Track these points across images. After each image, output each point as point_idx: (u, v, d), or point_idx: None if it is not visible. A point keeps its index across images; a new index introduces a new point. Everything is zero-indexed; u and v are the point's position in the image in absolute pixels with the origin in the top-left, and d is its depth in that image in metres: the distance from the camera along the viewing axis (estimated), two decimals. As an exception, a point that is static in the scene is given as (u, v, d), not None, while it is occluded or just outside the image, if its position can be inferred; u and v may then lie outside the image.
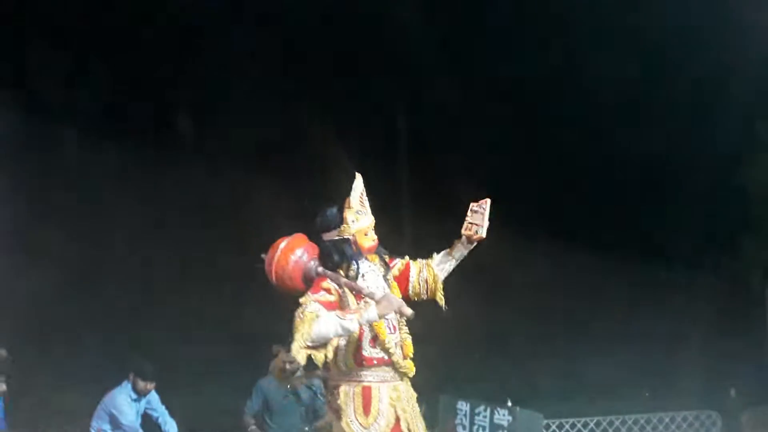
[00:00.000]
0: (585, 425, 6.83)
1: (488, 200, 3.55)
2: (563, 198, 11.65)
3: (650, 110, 12.10)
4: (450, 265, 3.58)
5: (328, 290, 3.25)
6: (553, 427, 6.75)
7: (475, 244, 3.55)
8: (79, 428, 5.90)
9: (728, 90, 10.47)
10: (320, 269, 3.32)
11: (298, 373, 5.62)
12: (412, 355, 3.39)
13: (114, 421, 5.40)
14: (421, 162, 12.72)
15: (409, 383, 3.43)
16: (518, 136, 12.13)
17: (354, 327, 3.14)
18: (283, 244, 3.40)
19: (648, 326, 11.01)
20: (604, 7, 10.68)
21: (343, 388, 3.31)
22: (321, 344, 3.13)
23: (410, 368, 3.36)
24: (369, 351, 3.31)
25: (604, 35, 11.26)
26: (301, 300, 3.22)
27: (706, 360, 8.97)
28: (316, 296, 3.21)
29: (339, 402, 3.29)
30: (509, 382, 8.68)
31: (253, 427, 5.55)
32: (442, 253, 3.60)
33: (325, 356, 3.17)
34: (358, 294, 3.27)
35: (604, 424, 6.86)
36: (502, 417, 5.26)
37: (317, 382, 5.67)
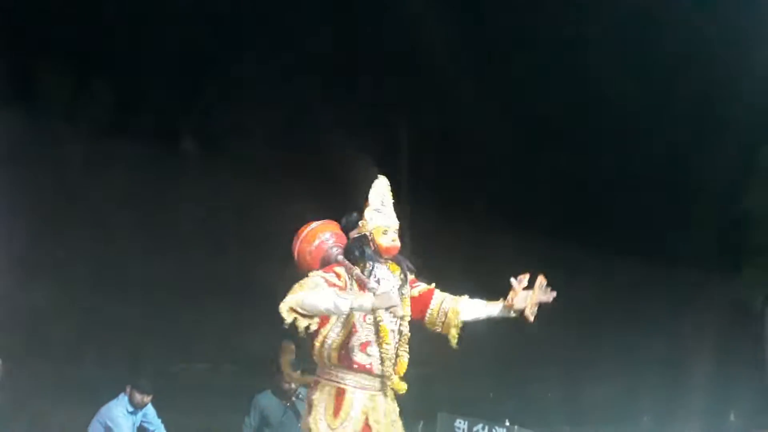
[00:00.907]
0: (583, 446, 6.80)
1: (540, 277, 3.42)
2: (562, 219, 11.66)
3: (653, 131, 12.14)
4: (479, 315, 3.48)
5: (338, 275, 3.25)
6: (551, 447, 6.72)
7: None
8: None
9: (733, 111, 10.53)
10: (340, 257, 3.37)
11: (298, 392, 5.59)
12: (402, 374, 3.34)
13: (109, 434, 5.39)
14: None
15: (394, 398, 3.38)
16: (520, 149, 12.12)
17: (345, 308, 3.08)
18: (315, 224, 3.54)
19: (647, 350, 10.97)
20: (601, 19, 10.76)
21: (320, 384, 3.30)
22: (309, 313, 3.10)
23: (399, 387, 3.31)
24: (357, 354, 3.26)
25: (605, 44, 11.32)
26: (310, 274, 3.25)
27: (705, 383, 8.93)
28: (324, 274, 3.23)
29: (313, 397, 3.28)
30: (507, 403, 8.65)
31: None
32: (478, 300, 3.49)
33: (308, 328, 3.13)
34: (363, 287, 3.24)
35: (603, 445, 6.83)
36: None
37: (315, 398, 5.65)
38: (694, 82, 11.28)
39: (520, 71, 11.93)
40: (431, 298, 3.45)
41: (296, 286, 3.18)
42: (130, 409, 5.49)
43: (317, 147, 13.84)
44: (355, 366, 3.24)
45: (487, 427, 5.43)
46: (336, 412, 3.21)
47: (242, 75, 13.54)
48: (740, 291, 9.60)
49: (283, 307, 3.09)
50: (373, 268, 3.34)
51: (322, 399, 3.25)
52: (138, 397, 5.48)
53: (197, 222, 13.58)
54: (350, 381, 3.25)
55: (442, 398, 7.57)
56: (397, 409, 3.40)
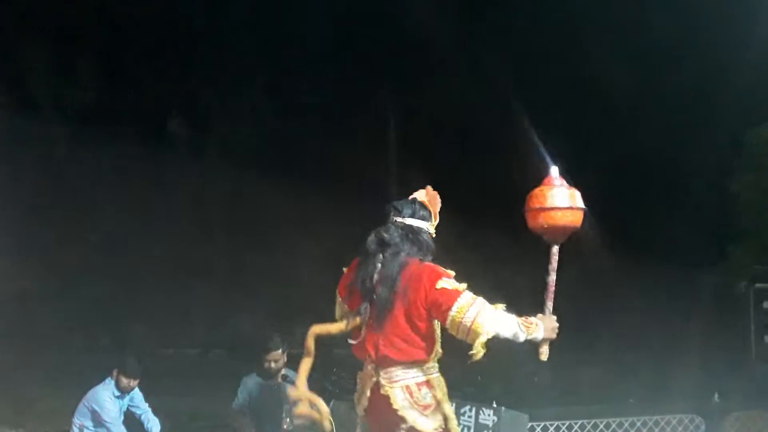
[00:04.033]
0: (569, 428, 6.83)
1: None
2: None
3: (640, 115, 12.19)
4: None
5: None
6: (538, 429, 6.74)
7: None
8: (61, 425, 5.85)
9: (720, 96, 10.57)
10: None
11: (283, 371, 5.61)
12: None
13: (96, 418, 5.37)
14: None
15: None
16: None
17: (522, 339, 3.08)
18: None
19: (634, 332, 11.07)
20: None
21: (435, 381, 3.19)
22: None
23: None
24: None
25: (595, 24, 11.34)
26: (451, 285, 3.06)
27: (691, 365, 9.01)
28: (462, 285, 3.10)
29: (436, 395, 3.16)
30: (495, 386, 8.70)
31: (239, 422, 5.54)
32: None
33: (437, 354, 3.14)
34: None
35: (589, 426, 6.86)
36: (487, 417, 5.26)
37: (302, 381, 5.67)
38: (681, 66, 11.31)
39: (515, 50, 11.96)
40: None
41: (475, 308, 3.01)
42: (117, 393, 5.47)
43: (307, 131, 13.83)
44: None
45: (474, 409, 5.46)
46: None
47: (231, 56, 13.48)
48: (725, 274, 9.66)
49: (481, 345, 2.97)
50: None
51: (444, 389, 3.20)
52: (125, 381, 5.46)
53: (186, 207, 13.56)
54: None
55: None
56: None
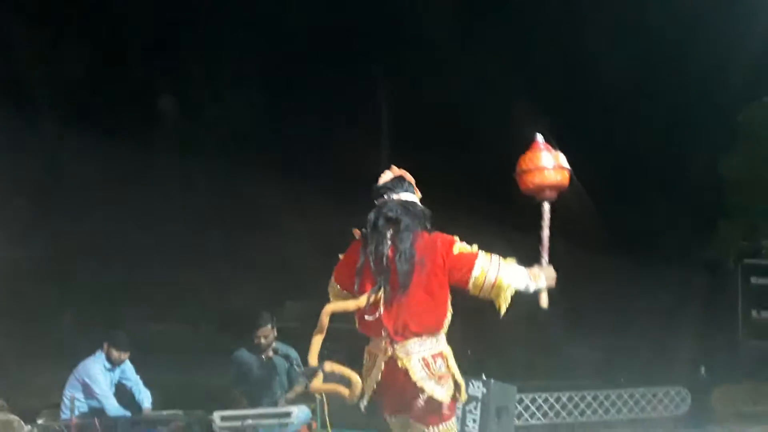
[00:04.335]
0: (557, 400, 6.91)
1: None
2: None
3: (633, 96, 12.17)
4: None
5: None
6: (527, 401, 6.83)
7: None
8: (51, 399, 5.85)
9: (706, 79, 10.57)
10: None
11: (273, 345, 5.64)
12: None
13: (87, 390, 5.38)
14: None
15: None
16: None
17: (532, 290, 3.32)
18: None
19: (621, 306, 11.15)
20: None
21: (446, 351, 3.32)
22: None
23: None
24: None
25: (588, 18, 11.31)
26: (466, 248, 3.26)
27: (679, 340, 9.11)
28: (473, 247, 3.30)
29: (449, 365, 3.30)
30: (485, 359, 8.77)
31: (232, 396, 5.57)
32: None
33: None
34: None
35: (576, 399, 6.96)
36: (477, 389, 5.30)
37: (293, 353, 5.70)
38: (672, 44, 11.29)
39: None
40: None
41: (497, 267, 3.23)
42: (108, 365, 5.48)
43: (300, 110, 13.77)
44: None
45: (463, 380, 5.48)
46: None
47: (218, 35, 13.36)
48: (714, 250, 9.73)
49: (506, 303, 3.22)
50: None
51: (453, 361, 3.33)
52: (115, 353, 5.47)
53: (178, 185, 13.50)
54: None
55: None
56: None
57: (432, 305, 3.25)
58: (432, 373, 3.25)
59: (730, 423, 7.19)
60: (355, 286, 3.33)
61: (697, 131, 10.93)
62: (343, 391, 3.27)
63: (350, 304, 3.30)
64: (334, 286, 3.48)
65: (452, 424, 3.38)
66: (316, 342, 3.28)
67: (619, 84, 12.06)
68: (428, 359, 3.25)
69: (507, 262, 3.28)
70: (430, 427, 3.31)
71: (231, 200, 13.42)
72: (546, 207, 3.62)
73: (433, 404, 3.25)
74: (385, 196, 3.40)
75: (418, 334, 3.23)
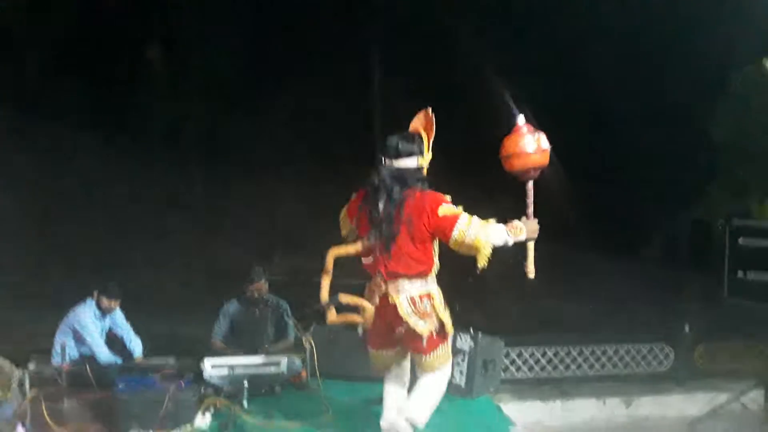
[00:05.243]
0: (543, 354, 7.01)
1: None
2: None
3: (624, 57, 12.09)
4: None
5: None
6: (513, 355, 6.92)
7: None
8: (41, 345, 5.88)
9: (699, 40, 10.49)
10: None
11: (265, 296, 5.68)
12: None
13: (77, 337, 5.42)
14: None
15: None
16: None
17: (511, 243, 3.67)
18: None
19: (609, 265, 11.25)
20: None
21: (434, 293, 3.78)
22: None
23: None
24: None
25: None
26: (451, 211, 3.62)
27: (664, 298, 9.22)
28: (458, 208, 3.66)
29: (434, 303, 3.76)
30: (473, 315, 8.85)
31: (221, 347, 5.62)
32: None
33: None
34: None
35: (562, 354, 7.05)
36: (464, 342, 5.36)
37: (284, 304, 5.75)
38: (664, 6, 11.18)
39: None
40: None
41: (476, 225, 3.58)
42: (98, 313, 5.51)
43: (287, 63, 13.60)
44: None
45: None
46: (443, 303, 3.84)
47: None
48: (703, 210, 9.79)
49: (485, 258, 3.57)
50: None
51: (442, 301, 3.83)
52: (105, 302, 5.50)
53: (164, 135, 13.40)
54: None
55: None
56: None
57: (418, 254, 3.68)
58: (417, 310, 3.75)
59: (712, 380, 7.33)
60: (355, 228, 3.84)
61: (690, 93, 10.90)
62: (357, 319, 3.77)
63: (350, 249, 3.78)
64: (345, 220, 3.92)
65: (442, 353, 3.88)
66: (325, 281, 3.73)
67: (610, 43, 11.98)
68: (416, 298, 3.75)
69: (485, 223, 3.62)
70: (422, 356, 3.86)
71: (221, 153, 13.36)
72: (529, 185, 3.89)
73: (415, 335, 3.77)
74: (386, 161, 3.76)
75: (406, 276, 3.71)
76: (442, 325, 3.83)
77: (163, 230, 11.84)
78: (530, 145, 3.85)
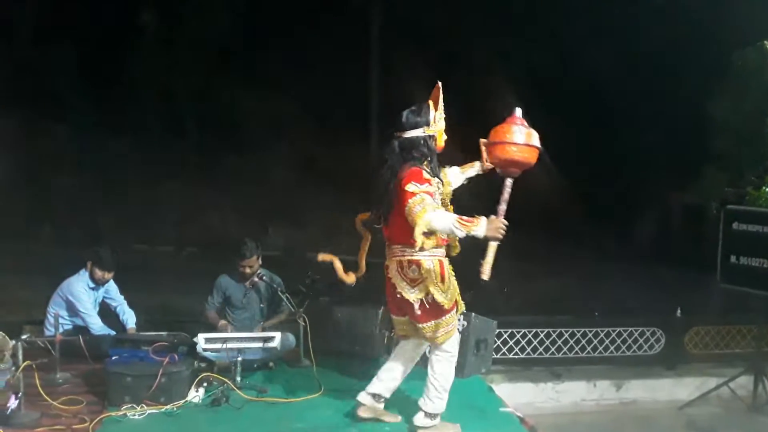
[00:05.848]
0: (535, 336, 7.04)
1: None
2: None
3: (623, 39, 12.01)
4: (461, 181, 4.26)
5: (429, 182, 3.84)
6: (505, 336, 6.95)
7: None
8: (34, 315, 5.86)
9: (698, 22, 10.42)
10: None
11: (258, 271, 5.66)
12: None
13: (71, 308, 5.39)
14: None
15: None
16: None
17: (461, 235, 3.73)
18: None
19: (602, 247, 11.28)
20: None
21: (424, 262, 3.91)
22: (432, 231, 3.79)
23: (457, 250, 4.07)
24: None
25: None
26: (411, 189, 3.77)
27: (657, 282, 9.25)
28: (426, 188, 3.79)
29: (421, 271, 3.91)
30: (465, 295, 8.87)
31: (223, 321, 5.61)
32: (455, 168, 4.21)
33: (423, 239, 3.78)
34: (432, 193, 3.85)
35: (554, 336, 7.08)
36: (458, 321, 5.35)
37: (278, 279, 5.73)
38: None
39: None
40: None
41: (418, 208, 3.71)
42: (92, 284, 5.48)
43: (284, 29, 13.47)
44: (442, 242, 3.99)
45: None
46: (443, 277, 3.95)
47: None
48: (698, 194, 9.78)
49: (418, 232, 3.69)
50: (437, 164, 4.00)
51: (430, 271, 3.92)
52: (99, 273, 5.46)
53: (158, 102, 13.28)
54: (440, 253, 4.00)
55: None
56: None
57: (405, 225, 3.82)
58: (404, 275, 3.96)
59: (702, 365, 7.38)
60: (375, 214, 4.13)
61: (688, 75, 10.85)
62: (341, 272, 4.10)
63: (368, 216, 4.13)
64: (358, 222, 4.21)
65: (441, 328, 4.00)
66: (364, 246, 4.14)
67: (610, 25, 11.91)
68: (404, 262, 3.96)
69: (435, 207, 3.77)
70: (419, 325, 4.01)
71: (215, 121, 13.27)
72: (508, 182, 3.90)
73: (407, 302, 3.95)
74: (396, 133, 3.96)
75: (399, 243, 3.97)
76: (431, 294, 3.92)
77: (157, 199, 11.77)
78: (520, 137, 3.87)
